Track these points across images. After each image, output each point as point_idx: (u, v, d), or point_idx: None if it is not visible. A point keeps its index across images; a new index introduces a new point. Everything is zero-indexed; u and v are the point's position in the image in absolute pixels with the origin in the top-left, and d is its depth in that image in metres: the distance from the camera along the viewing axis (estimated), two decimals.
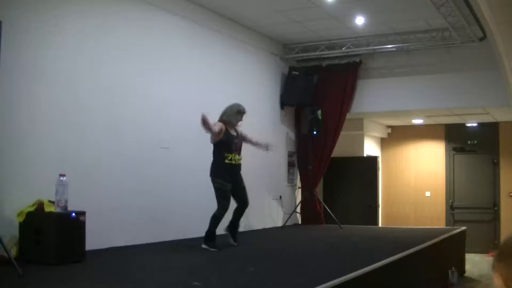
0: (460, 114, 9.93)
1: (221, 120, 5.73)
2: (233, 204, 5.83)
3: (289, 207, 9.16)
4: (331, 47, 8.83)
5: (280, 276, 4.20)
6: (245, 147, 6.04)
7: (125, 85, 5.95)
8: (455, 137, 11.54)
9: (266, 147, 6.21)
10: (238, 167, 5.74)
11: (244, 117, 5.87)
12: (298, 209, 9.18)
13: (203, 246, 5.58)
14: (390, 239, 6.88)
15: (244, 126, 7.78)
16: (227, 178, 5.60)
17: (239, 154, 5.75)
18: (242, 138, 5.89)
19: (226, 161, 5.60)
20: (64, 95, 5.24)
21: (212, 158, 5.69)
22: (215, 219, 5.59)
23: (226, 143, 5.62)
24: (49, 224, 4.50)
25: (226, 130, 5.67)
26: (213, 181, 5.64)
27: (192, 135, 6.44)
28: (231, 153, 5.63)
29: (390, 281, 4.80)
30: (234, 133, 5.77)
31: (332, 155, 9.34)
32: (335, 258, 5.34)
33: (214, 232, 5.62)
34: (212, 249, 5.51)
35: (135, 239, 5.87)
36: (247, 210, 5.94)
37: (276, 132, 8.97)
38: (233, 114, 5.74)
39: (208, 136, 5.61)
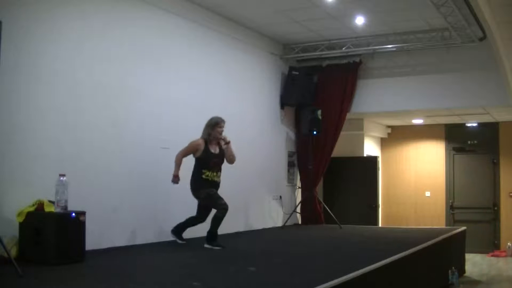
0: (460, 114, 9.93)
1: (202, 137, 5.85)
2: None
3: (289, 207, 9.15)
4: (331, 47, 8.83)
5: (280, 276, 4.20)
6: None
7: (124, 85, 5.95)
8: (455, 137, 11.55)
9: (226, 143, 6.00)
10: (215, 184, 5.82)
11: (225, 126, 5.88)
12: (298, 209, 9.17)
13: (206, 245, 5.63)
14: (390, 239, 6.87)
15: (245, 126, 7.83)
16: (209, 188, 5.72)
17: (217, 171, 5.82)
18: (223, 156, 5.90)
19: (203, 176, 5.74)
20: (63, 94, 5.23)
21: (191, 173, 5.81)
22: (218, 220, 5.64)
23: (203, 160, 5.76)
24: (49, 224, 4.50)
25: (206, 147, 5.78)
26: (197, 196, 5.80)
27: (192, 135, 6.42)
28: (208, 170, 5.75)
29: (390, 281, 4.80)
30: (214, 151, 5.84)
31: (332, 155, 9.34)
32: (335, 258, 5.33)
33: (216, 232, 5.67)
34: (215, 248, 5.56)
35: (135, 239, 5.88)
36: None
37: (276, 132, 8.97)
38: (211, 127, 5.83)
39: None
